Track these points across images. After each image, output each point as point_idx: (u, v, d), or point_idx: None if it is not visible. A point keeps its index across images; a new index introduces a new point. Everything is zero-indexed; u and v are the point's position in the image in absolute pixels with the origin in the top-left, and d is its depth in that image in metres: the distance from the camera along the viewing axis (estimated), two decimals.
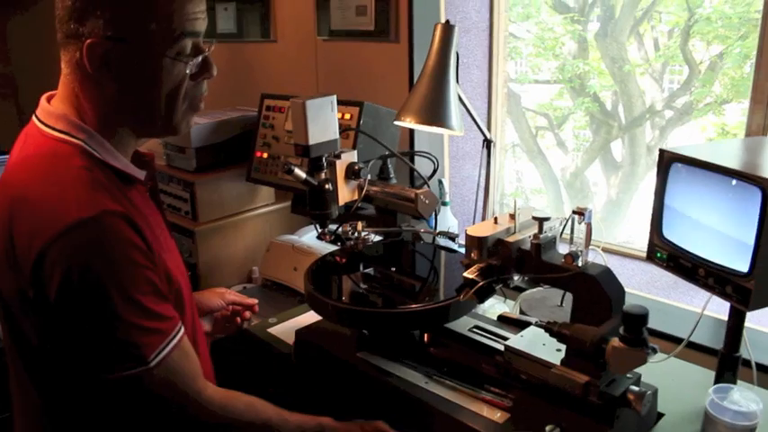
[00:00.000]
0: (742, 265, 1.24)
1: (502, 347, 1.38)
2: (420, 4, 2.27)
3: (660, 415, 1.37)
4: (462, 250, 1.44)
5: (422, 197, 1.67)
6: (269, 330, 1.77)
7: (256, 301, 1.72)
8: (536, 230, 1.31)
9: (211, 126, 2.43)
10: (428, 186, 1.75)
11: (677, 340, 1.57)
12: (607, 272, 1.26)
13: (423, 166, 2.06)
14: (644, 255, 1.51)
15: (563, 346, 1.27)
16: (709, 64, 3.31)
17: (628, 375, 1.26)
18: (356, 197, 1.74)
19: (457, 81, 1.75)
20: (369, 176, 1.74)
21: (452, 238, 1.74)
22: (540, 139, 3.89)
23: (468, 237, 1.34)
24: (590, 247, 1.27)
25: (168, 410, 1.21)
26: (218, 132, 2.45)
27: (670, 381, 1.43)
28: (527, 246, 1.32)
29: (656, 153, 1.43)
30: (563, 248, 1.32)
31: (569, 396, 1.23)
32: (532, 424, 1.27)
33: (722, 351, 1.43)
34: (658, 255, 1.45)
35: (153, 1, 1.10)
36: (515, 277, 1.35)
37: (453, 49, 1.73)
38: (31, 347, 1.18)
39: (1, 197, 1.14)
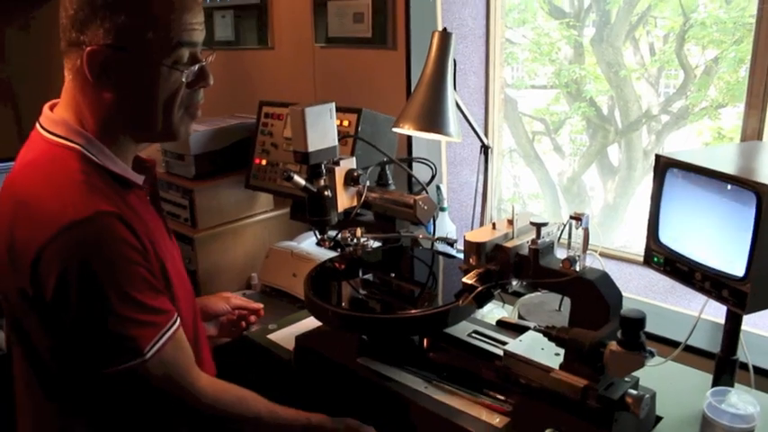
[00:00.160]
0: (738, 269, 1.25)
1: (501, 352, 1.39)
2: (417, 12, 2.28)
3: (658, 418, 1.37)
4: (461, 256, 1.45)
5: (420, 203, 1.68)
6: (269, 336, 1.78)
7: (261, 305, 1.75)
8: (534, 236, 1.32)
9: (210, 133, 2.44)
10: (426, 192, 1.76)
11: (675, 344, 1.57)
12: (605, 276, 1.27)
13: (421, 172, 2.08)
14: (641, 259, 1.53)
15: (561, 351, 1.28)
16: (704, 68, 3.33)
17: (626, 379, 1.27)
18: (355, 203, 1.75)
19: (454, 88, 1.76)
20: (368, 183, 1.75)
21: (451, 243, 1.75)
22: (537, 144, 3.90)
23: (467, 242, 1.35)
24: (587, 251, 1.28)
25: (165, 402, 1.25)
26: (217, 140, 2.46)
27: (668, 384, 1.44)
28: (525, 251, 1.33)
29: (653, 157, 1.44)
30: (561, 253, 1.33)
31: (568, 400, 1.24)
32: (532, 428, 1.28)
33: (719, 354, 1.44)
34: (655, 259, 1.46)
35: (151, 11, 1.14)
36: (514, 282, 1.36)
37: (451, 57, 1.74)
38: (34, 347, 1.21)
39: (5, 200, 1.19)
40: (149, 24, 1.14)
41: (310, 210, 1.68)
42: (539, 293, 1.83)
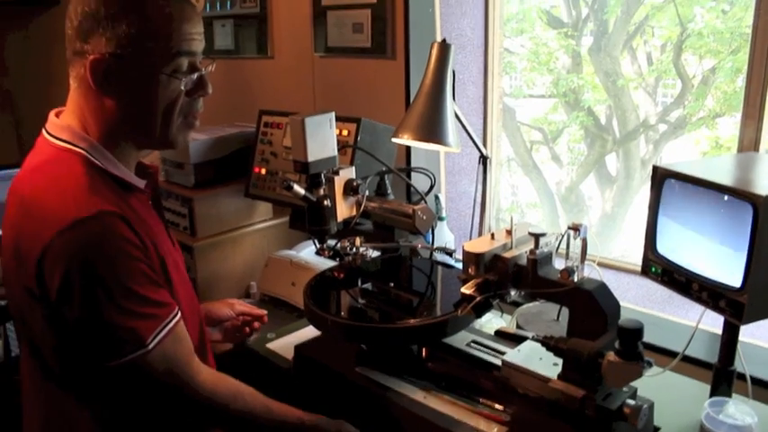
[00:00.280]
0: (735, 280, 1.26)
1: (499, 362, 1.39)
2: (416, 22, 2.29)
3: (656, 429, 1.38)
4: (459, 265, 1.45)
5: (419, 213, 1.69)
6: (268, 346, 1.78)
7: (265, 312, 1.77)
8: (532, 246, 1.33)
9: (210, 142, 2.44)
10: (425, 202, 1.76)
11: (672, 354, 1.58)
12: (602, 287, 1.27)
13: (420, 182, 2.08)
14: (639, 269, 1.53)
15: (560, 361, 1.28)
16: (701, 78, 3.34)
17: (624, 389, 1.28)
18: (354, 213, 1.75)
19: (453, 98, 1.77)
20: (367, 192, 1.76)
21: (449, 253, 1.76)
22: (535, 153, 3.92)
23: (466, 252, 1.35)
24: (586, 261, 1.29)
25: (166, 394, 1.29)
26: (217, 148, 2.47)
27: (666, 394, 1.44)
28: (523, 261, 1.34)
29: (651, 167, 1.45)
30: (559, 263, 1.33)
31: (566, 410, 1.25)
32: None
33: (717, 364, 1.45)
34: (653, 269, 1.47)
35: (151, 22, 1.19)
36: (512, 292, 1.37)
37: (450, 68, 1.75)
38: (39, 344, 1.26)
39: (11, 203, 1.25)
40: (149, 34, 1.19)
41: (310, 219, 1.69)
42: (537, 303, 1.84)
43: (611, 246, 3.54)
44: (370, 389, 1.48)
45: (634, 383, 1.23)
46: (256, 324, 1.75)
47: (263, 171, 2.36)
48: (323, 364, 1.60)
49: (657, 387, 1.40)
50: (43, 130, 1.29)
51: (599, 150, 3.69)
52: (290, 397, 1.62)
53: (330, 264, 1.92)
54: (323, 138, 1.62)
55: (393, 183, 1.95)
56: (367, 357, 1.55)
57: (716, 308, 1.31)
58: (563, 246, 1.33)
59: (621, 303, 1.30)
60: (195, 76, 1.28)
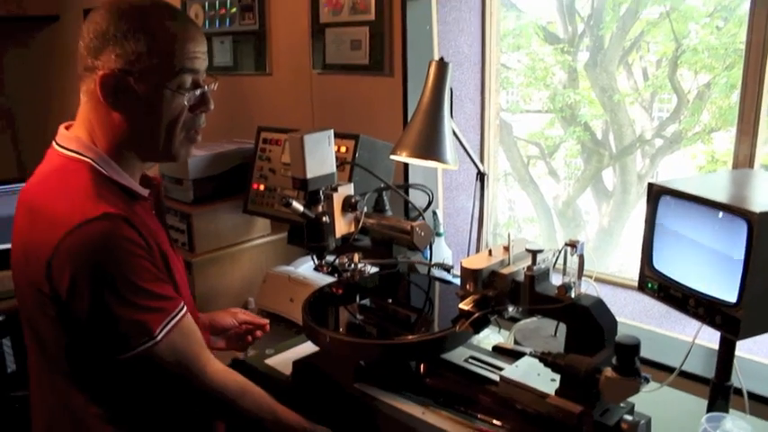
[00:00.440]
0: (730, 296, 1.27)
1: (497, 378, 1.40)
2: (414, 39, 2.31)
3: None
4: (457, 281, 1.46)
5: (417, 229, 1.70)
6: (266, 361, 1.78)
7: (267, 321, 1.80)
8: (530, 262, 1.34)
9: (208, 158, 2.46)
10: (423, 218, 1.77)
11: (670, 369, 1.59)
12: (599, 303, 1.28)
13: (417, 198, 2.09)
14: (636, 284, 1.54)
15: (557, 376, 1.29)
16: (696, 93, 3.36)
17: (621, 405, 1.29)
18: (353, 229, 1.76)
19: (451, 116, 1.79)
20: (365, 209, 1.77)
21: (447, 269, 1.77)
22: (532, 167, 3.93)
23: (464, 269, 1.37)
24: (582, 277, 1.30)
25: (178, 386, 1.35)
26: (215, 164, 2.48)
27: (663, 410, 1.45)
28: (521, 277, 1.35)
29: (647, 182, 1.46)
30: (556, 279, 1.34)
31: (564, 426, 1.25)
32: None
33: (714, 380, 1.46)
34: (649, 285, 1.48)
35: (157, 40, 1.26)
36: (510, 308, 1.38)
37: (447, 86, 1.77)
38: (47, 345, 1.32)
39: (21, 209, 1.33)
40: (155, 52, 1.25)
41: (308, 235, 1.69)
42: (534, 319, 1.85)
43: (608, 260, 3.54)
44: (369, 405, 1.49)
45: (631, 399, 1.24)
46: (258, 333, 1.79)
47: (262, 187, 2.37)
48: (321, 379, 1.60)
49: (655, 403, 1.40)
50: (53, 142, 1.36)
51: (596, 165, 3.70)
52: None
53: (328, 280, 1.93)
54: (321, 155, 1.63)
55: (391, 199, 1.96)
56: (365, 373, 1.55)
57: (712, 323, 1.32)
58: (560, 262, 1.34)
59: (618, 319, 1.31)
60: (198, 92, 1.34)
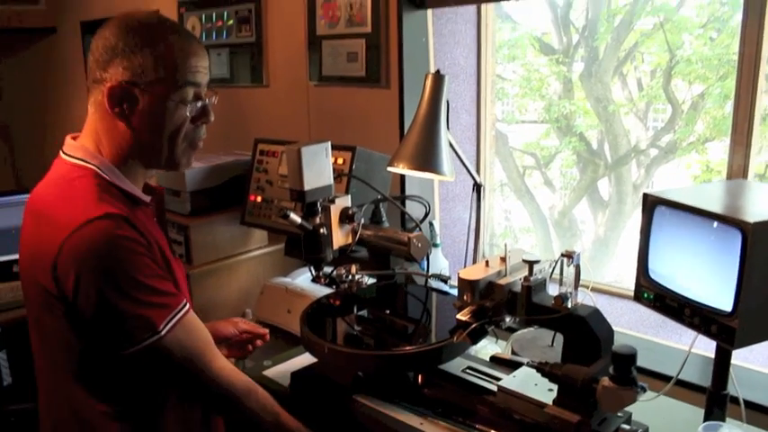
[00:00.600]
0: (726, 305, 1.27)
1: (495, 388, 1.41)
2: (410, 51, 2.33)
3: None
4: (454, 292, 1.47)
5: (414, 241, 1.71)
6: (264, 373, 1.79)
7: (267, 330, 1.82)
8: (526, 273, 1.35)
9: (206, 170, 2.46)
10: (420, 230, 1.78)
11: (666, 378, 1.59)
12: (596, 313, 1.29)
13: (414, 209, 2.10)
14: (632, 294, 1.55)
15: (555, 386, 1.30)
16: (691, 103, 3.39)
17: (619, 414, 1.29)
18: (350, 241, 1.77)
19: (447, 128, 1.80)
20: (362, 220, 1.78)
21: (444, 280, 1.78)
22: (528, 178, 3.94)
23: (461, 280, 1.37)
24: (579, 287, 1.31)
25: (186, 381, 1.40)
26: (213, 176, 2.49)
27: (660, 419, 1.45)
28: (518, 288, 1.36)
29: (642, 191, 1.47)
30: (553, 290, 1.35)
31: None
32: None
33: (710, 389, 1.46)
34: (645, 295, 1.48)
35: (162, 55, 1.32)
36: (507, 319, 1.39)
37: (444, 98, 1.78)
38: (55, 346, 1.37)
39: (28, 214, 1.39)
40: (160, 66, 1.32)
41: (306, 247, 1.70)
42: (531, 329, 1.85)
43: (605, 270, 3.55)
44: (367, 415, 1.49)
45: (629, 408, 1.25)
46: (259, 342, 1.82)
47: (259, 199, 2.38)
48: (320, 390, 1.61)
49: (652, 412, 1.41)
50: (60, 152, 1.41)
51: (591, 175, 3.72)
52: None
53: (326, 291, 1.93)
54: (319, 167, 1.64)
55: (388, 211, 1.97)
56: (363, 384, 1.55)
57: (708, 333, 1.33)
58: (557, 272, 1.35)
59: (615, 329, 1.32)
60: (199, 104, 1.40)
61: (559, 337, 1.62)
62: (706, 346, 1.60)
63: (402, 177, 2.37)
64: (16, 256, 1.45)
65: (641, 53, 3.65)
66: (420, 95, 1.83)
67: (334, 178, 1.72)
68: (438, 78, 1.78)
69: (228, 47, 3.05)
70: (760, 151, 1.85)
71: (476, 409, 1.45)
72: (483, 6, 2.47)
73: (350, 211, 1.75)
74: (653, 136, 3.53)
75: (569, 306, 1.28)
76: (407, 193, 2.37)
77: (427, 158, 1.76)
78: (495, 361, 1.47)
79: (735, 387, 1.47)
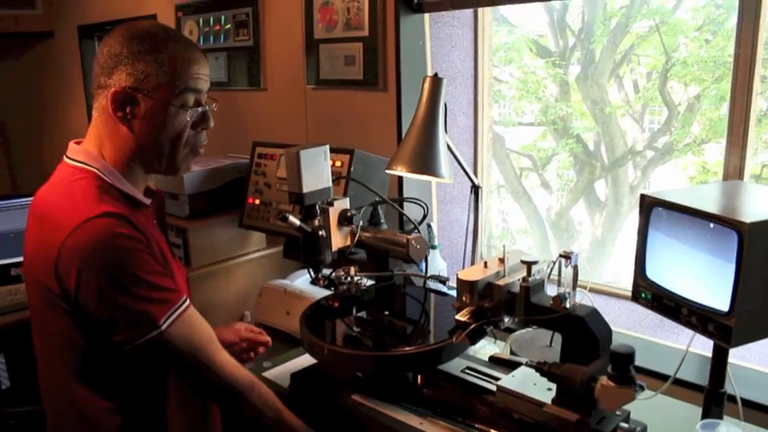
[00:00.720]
0: (722, 305, 1.29)
1: (494, 387, 1.42)
2: (407, 55, 2.34)
3: None
4: (453, 293, 1.48)
5: (413, 242, 1.72)
6: (264, 374, 1.79)
7: (269, 339, 1.82)
8: (525, 273, 1.36)
9: (204, 173, 2.47)
10: (419, 232, 1.79)
11: (664, 377, 1.61)
12: (594, 313, 1.30)
13: (412, 211, 2.11)
14: (629, 294, 1.56)
15: (553, 386, 1.31)
16: (687, 105, 3.40)
17: (617, 413, 1.30)
18: (349, 243, 1.78)
19: (445, 131, 1.81)
20: (361, 223, 1.79)
21: (443, 281, 1.79)
22: (525, 179, 3.96)
23: (460, 281, 1.38)
24: (577, 288, 1.32)
25: (190, 374, 1.42)
26: (211, 179, 2.49)
27: (658, 417, 1.46)
28: (516, 288, 1.37)
29: (639, 192, 1.48)
30: (551, 290, 1.36)
31: None
32: None
33: (708, 387, 1.47)
34: (643, 295, 1.49)
35: (165, 62, 1.37)
36: (506, 319, 1.40)
37: (442, 101, 1.79)
38: (58, 345, 1.39)
39: (31, 215, 1.42)
40: (162, 72, 1.37)
41: (305, 249, 1.71)
42: (530, 329, 1.86)
43: (602, 271, 3.57)
44: (367, 416, 1.50)
45: (627, 407, 1.26)
46: (261, 349, 1.83)
47: (257, 202, 2.39)
48: (319, 391, 1.62)
49: (650, 410, 1.42)
50: (64, 156, 1.45)
51: (588, 176, 3.73)
52: None
53: (324, 293, 1.94)
54: (317, 170, 1.65)
55: (386, 212, 1.98)
56: (363, 385, 1.56)
57: (705, 332, 1.34)
58: (555, 273, 1.36)
59: (613, 328, 1.33)
60: (200, 110, 1.44)
61: (558, 337, 1.62)
62: (703, 345, 1.61)
63: (400, 179, 2.38)
64: (13, 260, 1.48)
65: (637, 55, 3.67)
66: (418, 98, 1.84)
67: (333, 181, 1.73)
68: (436, 81, 1.79)
69: (226, 51, 3.06)
70: (756, 152, 1.87)
71: (475, 408, 1.46)
72: (480, 10, 2.48)
73: (348, 214, 1.76)
74: (649, 137, 3.55)
75: (568, 306, 1.29)
76: (405, 195, 2.38)
77: (426, 161, 1.77)
78: (494, 361, 1.48)
79: (732, 385, 1.48)
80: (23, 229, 1.45)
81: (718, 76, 3.13)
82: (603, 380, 1.21)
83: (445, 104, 1.81)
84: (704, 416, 1.47)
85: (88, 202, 1.31)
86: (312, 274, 1.78)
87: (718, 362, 1.45)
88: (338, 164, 2.15)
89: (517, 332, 1.88)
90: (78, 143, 1.46)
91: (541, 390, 1.35)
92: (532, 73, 3.88)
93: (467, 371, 1.57)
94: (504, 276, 1.41)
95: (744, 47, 1.77)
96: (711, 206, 1.35)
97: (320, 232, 1.69)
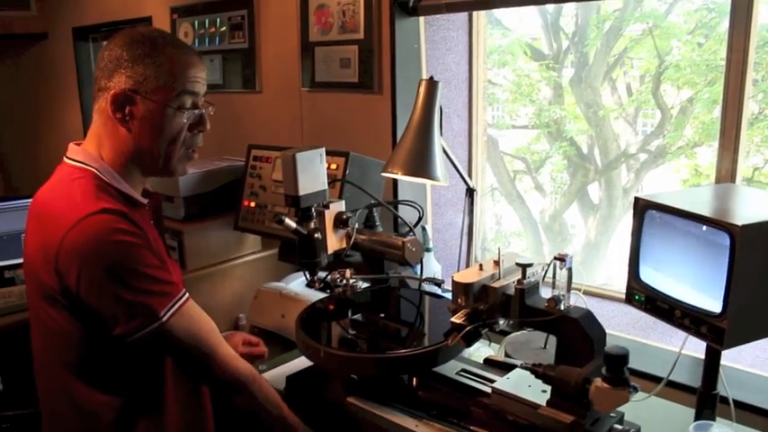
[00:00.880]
0: (715, 306, 1.30)
1: (489, 390, 1.42)
2: (402, 58, 2.35)
3: None
4: (447, 296, 1.49)
5: (409, 245, 1.72)
6: None
7: (265, 350, 1.87)
8: (519, 276, 1.36)
9: (199, 176, 2.47)
10: (414, 234, 1.80)
11: (657, 379, 1.61)
12: (589, 315, 1.31)
13: (406, 214, 2.12)
14: (623, 296, 1.57)
15: (548, 387, 1.32)
16: (680, 108, 3.42)
17: (611, 414, 1.31)
18: (344, 245, 1.79)
19: (441, 134, 1.82)
20: (356, 225, 1.79)
21: (438, 284, 1.79)
22: (518, 182, 3.97)
23: (455, 283, 1.39)
24: (571, 290, 1.33)
25: (192, 366, 1.47)
26: (206, 182, 2.50)
27: (652, 419, 1.47)
28: (511, 291, 1.38)
29: (633, 195, 1.49)
30: (546, 292, 1.37)
31: None
32: None
33: (700, 389, 1.49)
34: (636, 297, 1.51)
35: (163, 65, 1.40)
36: (501, 321, 1.40)
37: (437, 104, 1.80)
38: (59, 343, 1.41)
39: (31, 217, 1.45)
40: (161, 75, 1.40)
41: (301, 252, 1.72)
42: (524, 332, 1.87)
43: (595, 273, 3.58)
44: (363, 418, 1.51)
45: (621, 408, 1.27)
46: (257, 360, 1.85)
47: (253, 204, 2.39)
48: (315, 394, 1.62)
49: (644, 412, 1.43)
50: (64, 157, 1.47)
51: (581, 179, 3.75)
52: None
53: (319, 295, 1.94)
54: (313, 172, 1.66)
55: (381, 215, 1.99)
56: (358, 387, 1.57)
57: (698, 334, 1.35)
58: (549, 275, 1.37)
59: (606, 331, 1.34)
60: (197, 112, 1.48)
61: (552, 340, 1.63)
62: (696, 348, 1.63)
63: (395, 182, 2.39)
64: (6, 262, 1.48)
65: (630, 59, 3.69)
66: (413, 101, 1.85)
67: (328, 184, 1.73)
68: (432, 84, 1.80)
69: (221, 53, 3.07)
70: (748, 155, 1.88)
71: (470, 410, 1.47)
72: (474, 13, 2.49)
73: (344, 216, 1.76)
74: (642, 140, 3.57)
75: (562, 308, 1.30)
76: (400, 197, 2.39)
77: (422, 164, 1.78)
78: (489, 363, 1.49)
79: (724, 387, 1.49)
80: (17, 232, 1.47)
81: (711, 79, 3.15)
82: (598, 381, 1.22)
83: (441, 107, 1.83)
84: (697, 417, 1.48)
85: (87, 200, 1.34)
86: (308, 276, 1.78)
87: (711, 364, 1.46)
88: (333, 166, 2.15)
89: (511, 335, 1.88)
90: (78, 144, 1.48)
91: (536, 392, 1.36)
92: (526, 76, 3.89)
93: (462, 373, 1.58)
94: (499, 279, 1.42)
95: (736, 51, 1.78)
96: (704, 209, 1.36)
97: (316, 235, 1.70)
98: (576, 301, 1.36)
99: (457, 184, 2.49)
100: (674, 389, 1.69)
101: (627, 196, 3.51)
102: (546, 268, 1.37)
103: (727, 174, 1.84)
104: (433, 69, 2.43)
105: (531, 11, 3.63)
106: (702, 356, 1.48)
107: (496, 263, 1.43)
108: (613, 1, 3.40)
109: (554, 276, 1.35)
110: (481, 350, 1.87)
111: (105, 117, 1.43)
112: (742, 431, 1.50)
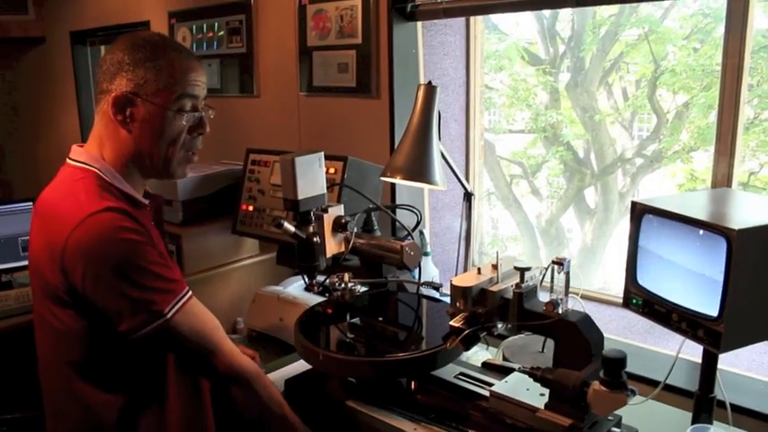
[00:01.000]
0: (712, 310, 1.30)
1: (487, 393, 1.43)
2: (400, 62, 2.36)
3: None
4: (446, 300, 1.49)
5: (407, 249, 1.73)
6: None
7: (259, 363, 1.82)
8: (518, 280, 1.37)
9: (198, 180, 2.48)
10: (412, 238, 1.81)
11: (654, 383, 1.62)
12: (586, 318, 1.32)
13: (404, 218, 2.13)
14: (620, 301, 1.58)
15: (546, 391, 1.32)
16: (675, 113, 3.43)
17: (609, 417, 1.32)
18: (343, 249, 1.79)
19: (439, 138, 1.83)
20: (355, 229, 1.80)
21: (436, 288, 1.80)
22: (515, 186, 3.97)
23: (454, 287, 1.40)
24: (569, 294, 1.34)
25: (197, 362, 1.49)
26: (205, 186, 2.50)
27: (649, 422, 1.48)
28: (509, 295, 1.39)
29: (629, 200, 1.50)
30: (543, 296, 1.38)
31: None
32: None
33: (697, 392, 1.49)
34: (633, 301, 1.51)
35: (163, 69, 1.43)
36: (499, 325, 1.41)
37: (436, 109, 1.81)
38: (63, 342, 1.43)
39: (36, 218, 1.48)
40: (161, 78, 1.43)
41: (300, 256, 1.72)
42: (522, 335, 1.88)
43: (592, 278, 3.58)
44: (361, 421, 1.51)
45: (618, 412, 1.27)
46: None
47: (251, 208, 2.40)
48: (314, 397, 1.63)
49: (641, 415, 1.44)
50: (67, 158, 1.50)
51: (578, 184, 3.75)
52: None
53: (317, 299, 1.95)
54: (312, 176, 1.67)
55: (379, 219, 1.99)
56: (357, 390, 1.57)
57: (695, 337, 1.36)
58: (547, 279, 1.37)
59: (604, 335, 1.35)
60: (196, 115, 1.50)
61: (550, 343, 1.64)
62: (692, 351, 1.63)
63: (393, 186, 2.39)
64: (3, 266, 1.49)
65: (626, 63, 3.70)
66: (411, 106, 1.86)
67: (327, 188, 1.74)
68: (430, 89, 1.81)
69: (219, 57, 3.08)
70: (743, 160, 1.89)
71: (468, 414, 1.47)
72: (472, 18, 2.51)
73: (343, 220, 1.77)
74: (638, 145, 3.57)
75: (560, 312, 1.31)
76: (398, 202, 2.39)
77: (420, 168, 1.79)
78: (487, 367, 1.50)
79: (721, 391, 1.50)
80: (15, 236, 1.48)
81: (707, 84, 3.16)
82: (596, 385, 1.22)
83: (439, 112, 1.83)
84: (694, 421, 1.49)
85: (90, 199, 1.37)
86: (306, 280, 1.79)
87: (708, 367, 1.47)
88: (332, 171, 2.16)
89: (510, 338, 1.89)
90: (81, 146, 1.51)
91: (534, 395, 1.37)
92: (523, 80, 3.90)
93: (460, 376, 1.58)
94: (497, 283, 1.43)
95: (731, 56, 1.79)
96: (701, 213, 1.37)
97: (315, 239, 1.70)
98: (574, 305, 1.37)
99: (454, 188, 2.49)
100: (671, 392, 1.69)
101: (623, 201, 3.52)
102: (544, 272, 1.38)
103: (723, 178, 1.85)
104: (430, 74, 2.44)
105: (527, 16, 3.64)
106: (699, 360, 1.49)
107: (495, 267, 1.44)
108: (609, 6, 3.41)
109: (552, 280, 1.35)
110: (479, 354, 1.87)
111: (107, 119, 1.46)
112: None
